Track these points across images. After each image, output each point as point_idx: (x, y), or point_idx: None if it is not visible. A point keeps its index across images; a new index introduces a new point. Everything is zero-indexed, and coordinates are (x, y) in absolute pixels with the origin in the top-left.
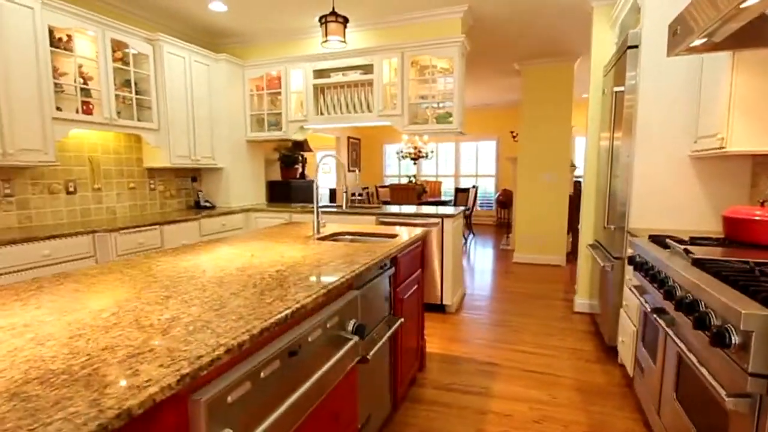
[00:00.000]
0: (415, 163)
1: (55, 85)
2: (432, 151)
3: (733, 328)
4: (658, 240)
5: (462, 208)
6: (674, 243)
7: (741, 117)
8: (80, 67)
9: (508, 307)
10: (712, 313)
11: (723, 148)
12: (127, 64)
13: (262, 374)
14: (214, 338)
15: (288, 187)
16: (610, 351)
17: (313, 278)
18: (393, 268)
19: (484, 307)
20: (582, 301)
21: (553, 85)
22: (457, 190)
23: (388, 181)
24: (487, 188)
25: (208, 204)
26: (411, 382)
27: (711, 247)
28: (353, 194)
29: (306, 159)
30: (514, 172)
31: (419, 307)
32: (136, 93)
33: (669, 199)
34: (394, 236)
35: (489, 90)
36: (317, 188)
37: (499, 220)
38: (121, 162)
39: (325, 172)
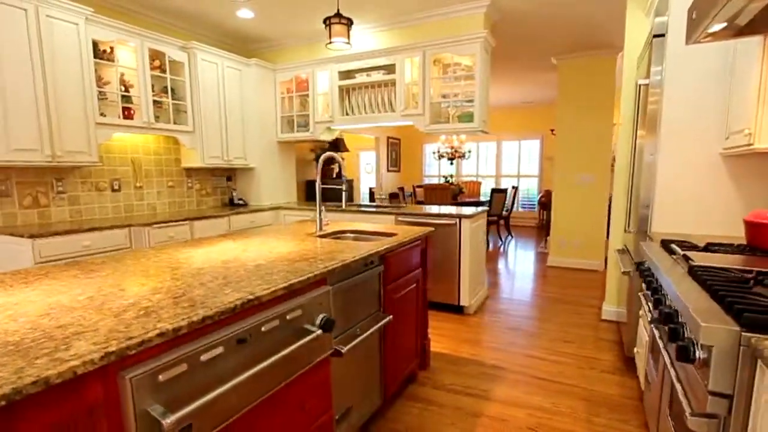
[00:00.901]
0: (452, 163)
1: (99, 93)
2: (470, 151)
3: (697, 343)
4: (668, 245)
5: (481, 209)
6: (678, 248)
7: None
8: (122, 75)
9: (532, 312)
10: (685, 325)
11: (751, 144)
12: (164, 71)
13: (202, 358)
14: (155, 323)
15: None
16: (629, 362)
17: (283, 273)
18: (382, 266)
19: (506, 310)
20: (610, 309)
21: (592, 80)
22: (494, 191)
23: (427, 182)
24: (530, 189)
25: (241, 202)
26: (410, 379)
27: (725, 255)
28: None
29: (344, 159)
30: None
31: (419, 306)
32: (173, 98)
33: (697, 202)
34: (392, 235)
35: (529, 86)
36: (320, 187)
37: (540, 222)
38: (160, 162)
39: (367, 172)
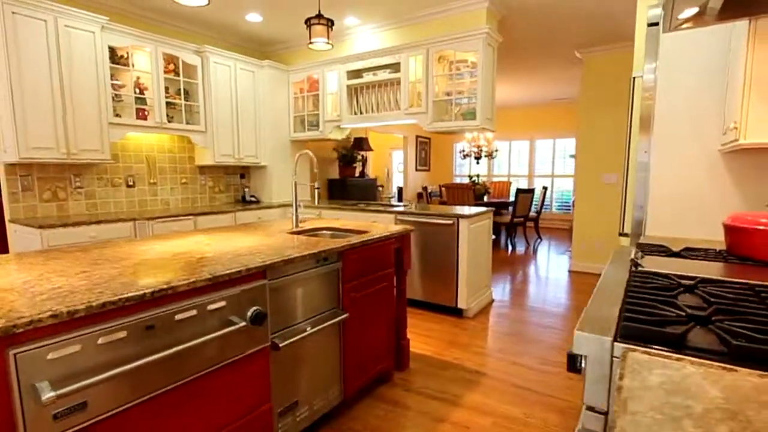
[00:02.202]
0: (478, 162)
1: (115, 95)
2: (497, 150)
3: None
4: (642, 249)
5: (484, 209)
6: (640, 253)
7: (758, 102)
8: (138, 78)
9: (536, 318)
10: None
11: (737, 140)
12: (178, 74)
13: (100, 340)
14: (56, 305)
15: (345, 184)
16: None
17: (219, 266)
18: (340, 263)
19: (509, 315)
20: None
21: (616, 74)
22: (519, 191)
23: (459, 181)
24: (565, 189)
25: (253, 199)
26: (383, 379)
27: (694, 260)
28: (418, 194)
29: (366, 158)
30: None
31: (391, 306)
32: (187, 100)
33: (696, 203)
34: (364, 232)
35: (558, 82)
36: (296, 185)
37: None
38: (174, 160)
39: (399, 171)
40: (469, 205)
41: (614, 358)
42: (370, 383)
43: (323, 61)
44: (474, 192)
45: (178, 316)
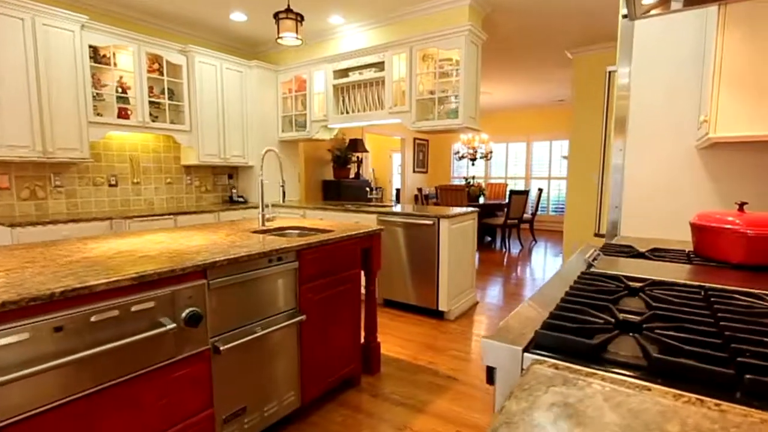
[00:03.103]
0: (473, 164)
1: (97, 94)
2: (491, 152)
3: None
4: (606, 250)
5: (469, 209)
6: (601, 254)
7: (728, 93)
8: (121, 78)
9: None
10: None
11: (707, 134)
12: (162, 73)
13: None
14: None
15: (339, 185)
16: None
17: (150, 266)
18: (297, 263)
19: (492, 317)
20: None
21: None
22: (512, 193)
23: (457, 183)
24: (562, 191)
25: (241, 199)
26: (349, 383)
27: (660, 262)
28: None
29: (361, 159)
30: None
31: (357, 307)
32: (172, 99)
33: (672, 203)
34: (329, 231)
35: (554, 84)
36: (262, 184)
37: None
38: (159, 160)
39: (399, 173)
40: (463, 206)
41: (523, 371)
42: (335, 388)
43: (310, 60)
44: (469, 194)
45: (94, 318)
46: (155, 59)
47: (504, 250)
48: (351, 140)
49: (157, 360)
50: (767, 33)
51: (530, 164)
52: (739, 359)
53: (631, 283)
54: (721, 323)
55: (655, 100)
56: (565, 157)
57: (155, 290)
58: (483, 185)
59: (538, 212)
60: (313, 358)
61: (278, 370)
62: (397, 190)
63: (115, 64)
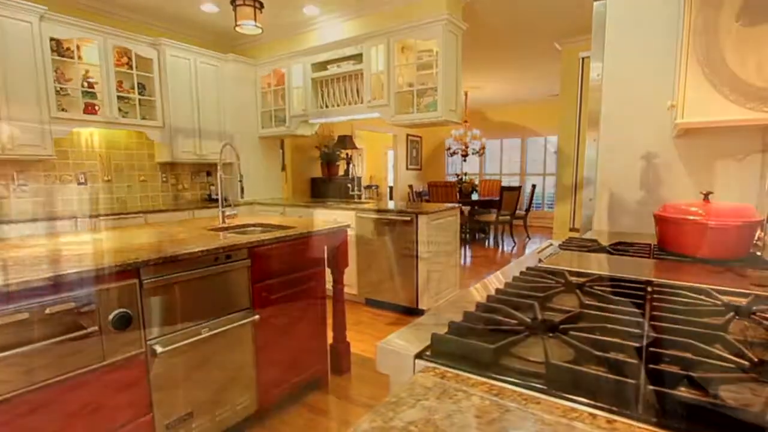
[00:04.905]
0: (465, 160)
1: (61, 89)
2: (484, 148)
3: None
4: (568, 245)
5: (452, 204)
6: (548, 248)
7: (695, 76)
8: (87, 72)
9: None
10: None
11: (675, 120)
12: (132, 68)
13: None
14: None
15: (327, 183)
16: None
17: (70, 264)
18: (249, 261)
19: None
20: None
21: None
22: (503, 189)
23: (452, 180)
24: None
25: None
26: (315, 385)
27: (619, 256)
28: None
29: (351, 156)
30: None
31: (321, 307)
32: (143, 94)
33: (649, 194)
34: (291, 228)
35: (546, 79)
36: (221, 180)
37: None
38: (132, 157)
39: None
40: (454, 203)
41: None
42: (299, 389)
43: (288, 53)
44: (461, 190)
45: None
46: (124, 53)
47: (496, 246)
48: (340, 137)
49: (79, 365)
50: (733, 11)
51: (525, 160)
52: (651, 366)
53: (572, 279)
54: (652, 323)
55: (627, 87)
56: (556, 153)
57: (77, 290)
58: (476, 182)
59: (533, 208)
60: (272, 359)
61: (231, 373)
62: (390, 188)
63: (80, 58)
